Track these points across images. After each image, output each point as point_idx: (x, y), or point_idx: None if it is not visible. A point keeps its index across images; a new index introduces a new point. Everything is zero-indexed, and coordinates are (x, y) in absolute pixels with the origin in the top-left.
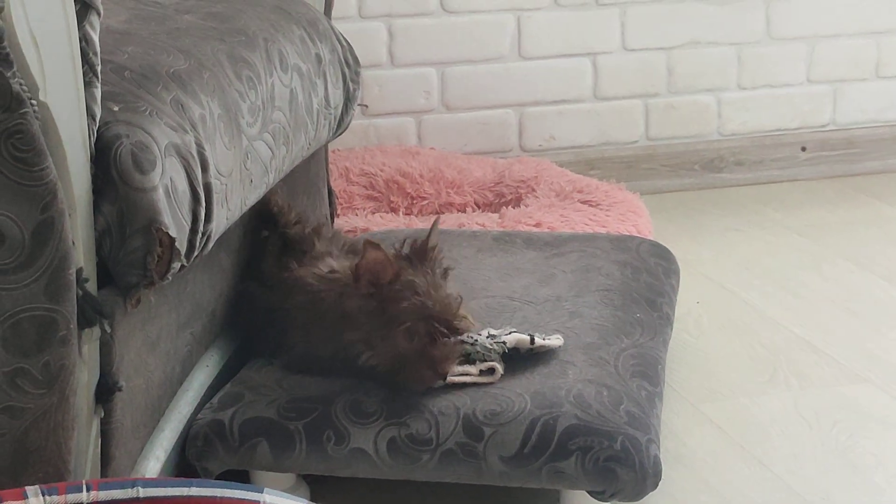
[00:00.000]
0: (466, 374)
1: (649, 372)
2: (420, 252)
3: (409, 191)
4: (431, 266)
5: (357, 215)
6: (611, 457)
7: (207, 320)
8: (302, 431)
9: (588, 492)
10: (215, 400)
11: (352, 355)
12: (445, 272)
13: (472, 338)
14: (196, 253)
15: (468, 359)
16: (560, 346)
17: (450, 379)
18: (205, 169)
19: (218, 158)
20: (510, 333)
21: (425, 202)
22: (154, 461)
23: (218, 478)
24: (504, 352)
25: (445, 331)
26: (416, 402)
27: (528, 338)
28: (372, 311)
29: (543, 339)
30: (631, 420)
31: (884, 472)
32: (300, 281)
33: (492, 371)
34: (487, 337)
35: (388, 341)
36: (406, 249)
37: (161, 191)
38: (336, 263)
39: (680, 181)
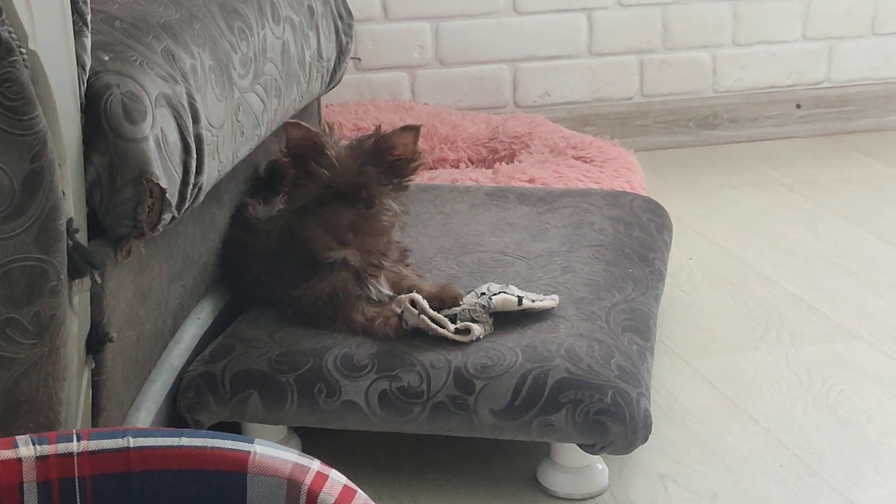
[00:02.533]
0: (442, 329)
1: (640, 327)
2: (371, 143)
3: None
4: (378, 160)
5: None
6: (601, 410)
7: (199, 273)
8: (293, 384)
9: (578, 445)
10: (207, 352)
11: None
12: (402, 184)
13: (451, 310)
14: (187, 205)
15: (453, 319)
16: (554, 308)
17: (426, 322)
18: (196, 120)
19: (209, 110)
20: (499, 293)
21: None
22: (145, 412)
23: (209, 430)
24: (490, 311)
25: (352, 199)
26: (408, 355)
27: (516, 299)
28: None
29: (533, 301)
30: (622, 374)
31: (874, 428)
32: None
33: (467, 331)
34: (479, 296)
35: (296, 203)
36: (369, 143)
37: (151, 141)
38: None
39: (674, 138)
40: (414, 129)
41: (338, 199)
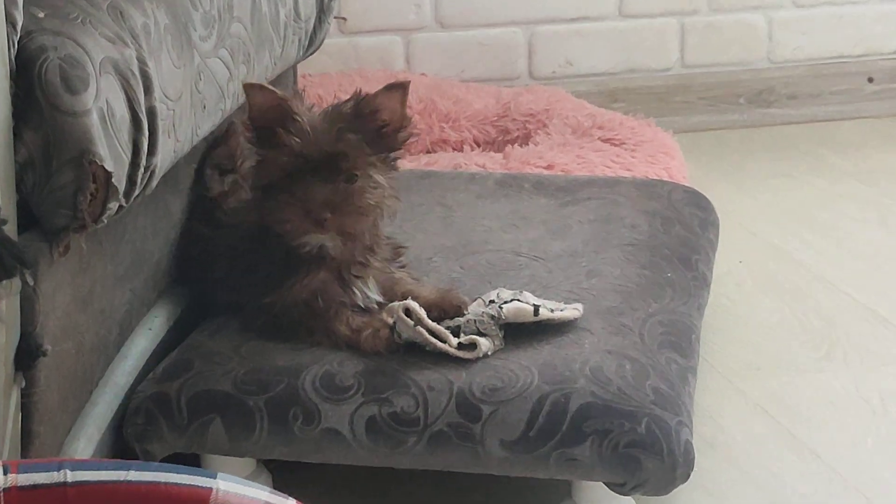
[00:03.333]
0: (443, 343)
1: (681, 342)
2: (352, 107)
3: None
4: (359, 126)
5: None
6: (633, 442)
7: (151, 273)
8: (263, 408)
9: (605, 483)
10: (160, 369)
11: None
12: (392, 154)
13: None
14: (137, 191)
15: (456, 332)
16: (577, 319)
17: (424, 335)
18: (148, 90)
19: (164, 78)
20: (510, 301)
21: (414, 138)
22: (85, 441)
23: (162, 462)
24: (500, 323)
25: (327, 171)
26: (401, 374)
27: (532, 308)
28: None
29: (552, 311)
30: (658, 399)
31: None
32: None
33: (473, 346)
34: (487, 304)
35: (267, 178)
36: (348, 107)
37: (95, 115)
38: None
39: (721, 117)
40: (400, 88)
41: (312, 172)
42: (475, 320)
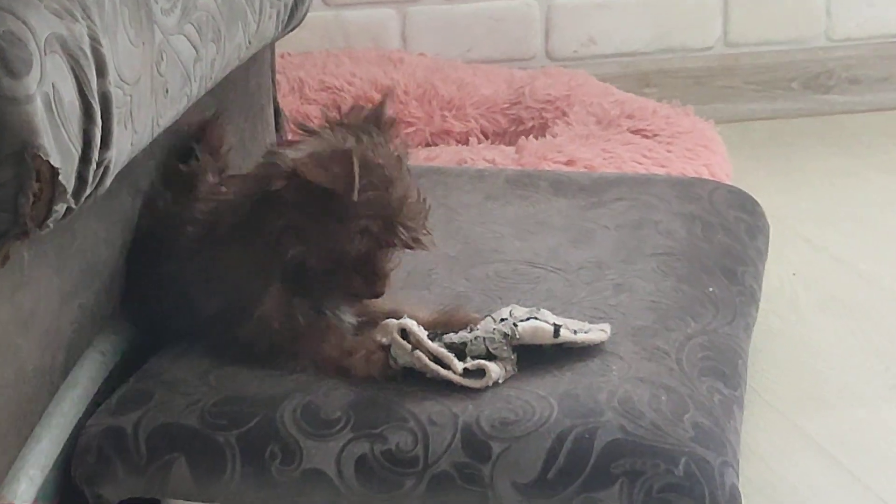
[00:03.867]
0: (445, 369)
1: (725, 369)
2: (376, 123)
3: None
4: (398, 148)
5: None
6: (670, 485)
7: (104, 288)
8: (235, 445)
9: None
10: (114, 400)
11: (277, 247)
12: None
13: (469, 328)
14: (88, 191)
15: (461, 352)
16: (603, 342)
17: (423, 360)
18: (101, 73)
19: (120, 58)
20: (527, 319)
21: (412, 129)
22: (27, 483)
23: None
24: (514, 343)
25: (405, 239)
26: (397, 405)
27: (551, 328)
28: (310, 193)
29: (575, 333)
30: (699, 435)
31: None
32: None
33: (482, 373)
34: (499, 322)
35: (330, 238)
36: (351, 118)
37: (39, 102)
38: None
39: (771, 105)
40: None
41: (390, 233)
42: (484, 338)
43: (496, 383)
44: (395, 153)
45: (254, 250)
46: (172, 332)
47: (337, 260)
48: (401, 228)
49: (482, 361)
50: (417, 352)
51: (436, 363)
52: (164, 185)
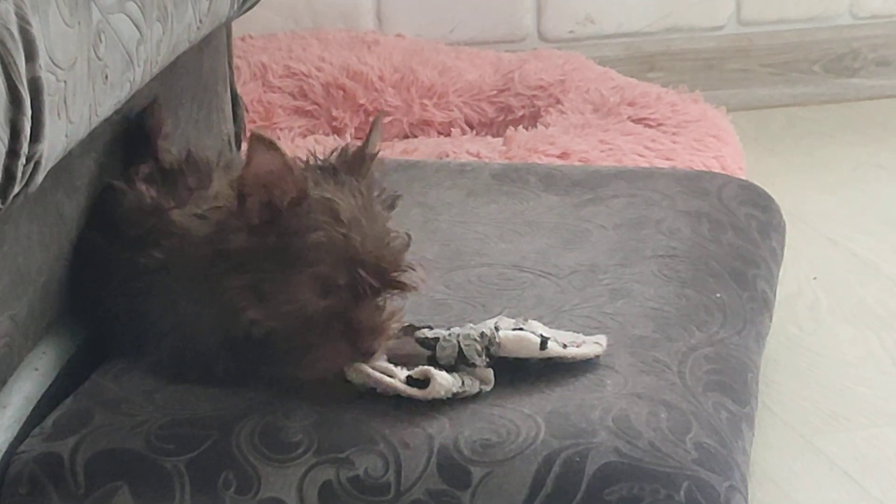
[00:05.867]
0: (388, 374)
1: (733, 383)
2: (352, 164)
3: (361, 101)
4: (367, 187)
5: (280, 138)
6: None
7: (37, 297)
8: (185, 473)
9: None
10: (49, 422)
11: (234, 315)
12: (392, 202)
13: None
14: (17, 188)
15: (433, 360)
16: (598, 356)
17: (371, 372)
18: (31, 56)
19: (52, 40)
20: (515, 330)
21: (388, 119)
22: None
23: None
24: (494, 354)
25: (378, 285)
26: (364, 426)
27: (538, 340)
28: (266, 247)
29: (565, 347)
30: (703, 457)
31: None
32: (170, 226)
33: (425, 382)
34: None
35: (286, 293)
36: (331, 159)
37: None
38: (223, 190)
39: (790, 90)
40: (377, 124)
41: (358, 279)
42: (459, 336)
43: (448, 397)
44: (362, 192)
45: (211, 310)
46: (117, 344)
47: (302, 319)
48: (367, 273)
49: (427, 368)
50: (358, 364)
51: (380, 374)
52: (145, 180)
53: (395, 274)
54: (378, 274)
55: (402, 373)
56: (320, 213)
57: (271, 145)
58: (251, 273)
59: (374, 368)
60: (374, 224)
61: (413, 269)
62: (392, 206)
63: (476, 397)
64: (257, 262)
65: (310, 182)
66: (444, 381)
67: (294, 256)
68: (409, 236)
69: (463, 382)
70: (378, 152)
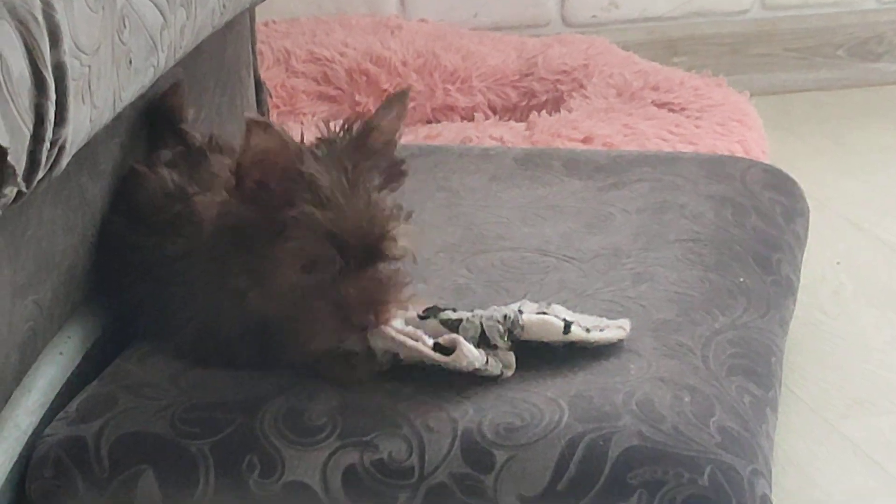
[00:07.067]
0: (414, 339)
1: (757, 367)
2: (358, 137)
3: (385, 86)
4: (365, 160)
5: (302, 123)
6: (694, 497)
7: (62, 282)
8: (209, 456)
9: None
10: (73, 406)
11: (241, 299)
12: (396, 175)
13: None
14: (41, 173)
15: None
16: (622, 340)
17: (395, 335)
18: (55, 41)
19: (77, 25)
20: (539, 314)
21: (411, 105)
22: None
23: None
24: (517, 337)
25: (360, 256)
26: (389, 410)
27: (562, 324)
28: (257, 226)
29: (588, 331)
30: (726, 440)
31: None
32: (192, 212)
33: (450, 350)
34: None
35: (275, 271)
36: (337, 133)
37: None
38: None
39: (814, 74)
40: (399, 102)
41: (342, 257)
42: (482, 318)
43: (476, 370)
44: (354, 166)
45: (228, 295)
46: (141, 328)
47: (294, 299)
48: (347, 245)
49: (455, 337)
50: (382, 328)
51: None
52: (169, 163)
53: (378, 244)
54: (359, 246)
55: (430, 341)
56: (301, 188)
57: (267, 127)
58: (248, 254)
59: (398, 332)
60: (356, 197)
61: (395, 241)
62: (393, 180)
63: (499, 381)
64: (251, 241)
65: (306, 159)
66: (470, 354)
67: (277, 233)
68: (400, 208)
69: (487, 361)
70: (383, 124)
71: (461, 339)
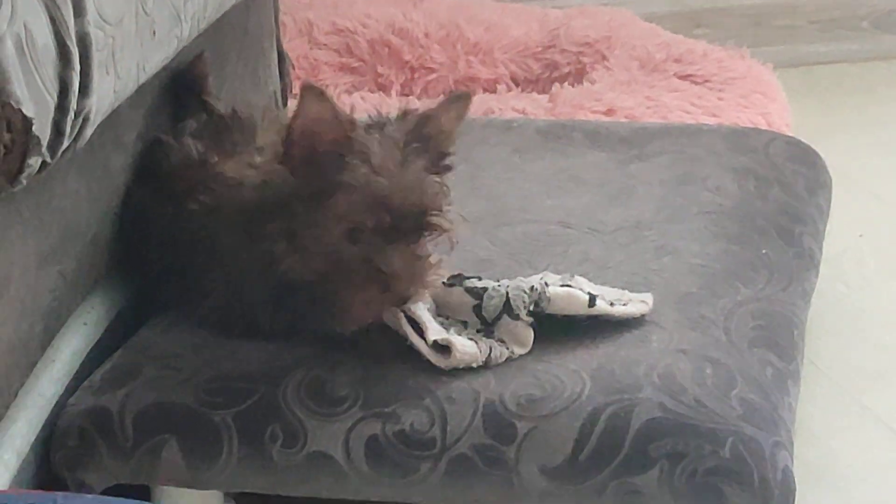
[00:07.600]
0: (421, 329)
1: (779, 339)
2: (410, 126)
3: (407, 58)
4: (421, 149)
5: None
6: (715, 468)
7: (86, 252)
8: (232, 426)
9: None
10: (97, 376)
11: (272, 264)
12: (441, 161)
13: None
14: (66, 143)
15: (478, 309)
16: (644, 315)
17: (403, 324)
18: (79, 12)
19: None
20: (563, 286)
21: (433, 76)
22: (1, 467)
23: (101, 496)
24: (543, 310)
25: (407, 228)
26: (411, 381)
27: (587, 297)
28: (301, 192)
29: (612, 305)
30: (748, 413)
31: None
32: (216, 179)
33: (446, 347)
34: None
35: (316, 238)
36: (392, 124)
37: (10, 44)
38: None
39: (837, 46)
40: (460, 101)
41: (387, 227)
42: (508, 287)
43: (472, 365)
44: (404, 147)
45: (255, 261)
46: (165, 298)
47: (333, 266)
48: (395, 216)
49: (450, 337)
50: (395, 309)
51: (412, 326)
52: (193, 134)
53: (428, 218)
54: (407, 217)
55: (434, 326)
56: (352, 158)
57: (321, 95)
58: (287, 219)
59: (410, 317)
60: (406, 171)
61: (445, 218)
62: (438, 165)
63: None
64: (293, 207)
65: (357, 129)
66: (465, 356)
67: (323, 200)
68: (447, 187)
69: (490, 350)
70: (441, 119)
71: (455, 340)
